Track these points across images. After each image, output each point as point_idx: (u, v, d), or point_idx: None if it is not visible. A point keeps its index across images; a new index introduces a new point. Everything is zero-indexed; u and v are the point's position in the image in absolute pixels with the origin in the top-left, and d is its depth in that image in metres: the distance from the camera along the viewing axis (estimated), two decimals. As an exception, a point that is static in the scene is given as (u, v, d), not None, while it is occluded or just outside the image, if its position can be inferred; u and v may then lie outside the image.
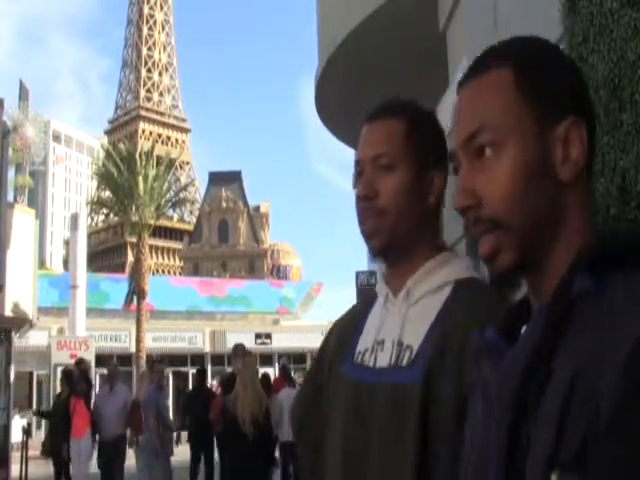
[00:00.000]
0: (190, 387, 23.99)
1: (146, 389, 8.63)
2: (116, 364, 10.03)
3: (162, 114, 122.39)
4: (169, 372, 28.35)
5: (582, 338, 0.66)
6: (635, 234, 0.74)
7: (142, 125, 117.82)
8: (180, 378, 28.23)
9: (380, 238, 1.24)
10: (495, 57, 0.79)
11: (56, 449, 9.24)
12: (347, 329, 1.37)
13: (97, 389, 11.67)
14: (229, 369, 27.43)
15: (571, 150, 0.75)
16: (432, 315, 1.21)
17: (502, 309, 0.85)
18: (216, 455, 9.43)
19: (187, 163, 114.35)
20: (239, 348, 8.31)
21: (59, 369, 14.84)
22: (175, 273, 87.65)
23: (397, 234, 1.23)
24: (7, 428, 11.52)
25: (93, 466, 8.98)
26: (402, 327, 1.22)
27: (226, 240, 74.78)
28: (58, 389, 12.50)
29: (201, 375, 11.19)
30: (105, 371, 10.20)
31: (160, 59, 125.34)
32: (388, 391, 1.18)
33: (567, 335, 0.68)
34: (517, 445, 0.68)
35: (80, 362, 9.77)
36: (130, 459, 8.90)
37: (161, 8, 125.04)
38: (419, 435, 1.11)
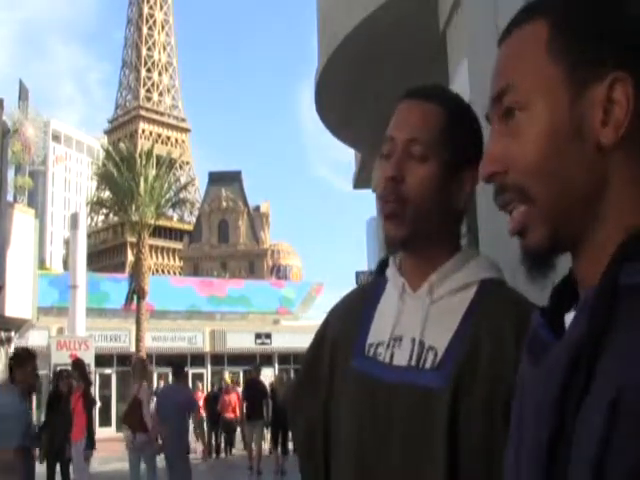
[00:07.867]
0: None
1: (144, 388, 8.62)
2: None
3: (162, 114, 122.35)
4: (168, 372, 28.46)
5: (628, 343, 0.58)
6: None
7: (142, 125, 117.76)
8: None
9: (398, 226, 1.15)
10: (532, 10, 0.73)
11: (54, 452, 8.92)
12: (349, 317, 1.26)
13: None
14: (229, 369, 27.52)
15: (614, 110, 0.65)
16: (457, 316, 1.12)
17: (533, 311, 0.75)
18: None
19: (187, 163, 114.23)
20: None
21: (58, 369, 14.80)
22: (175, 273, 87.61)
23: (416, 227, 1.14)
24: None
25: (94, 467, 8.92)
26: (424, 326, 1.13)
27: (226, 240, 74.76)
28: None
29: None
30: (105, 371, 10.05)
31: (160, 59, 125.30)
32: (412, 393, 1.10)
33: (612, 335, 0.59)
34: (557, 452, 0.61)
35: (78, 363, 9.38)
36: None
37: (161, 8, 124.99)
38: (448, 448, 1.04)
